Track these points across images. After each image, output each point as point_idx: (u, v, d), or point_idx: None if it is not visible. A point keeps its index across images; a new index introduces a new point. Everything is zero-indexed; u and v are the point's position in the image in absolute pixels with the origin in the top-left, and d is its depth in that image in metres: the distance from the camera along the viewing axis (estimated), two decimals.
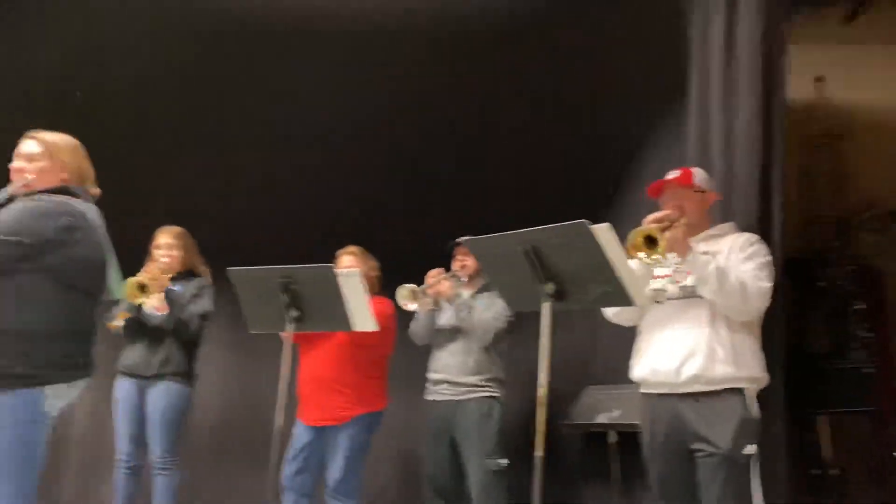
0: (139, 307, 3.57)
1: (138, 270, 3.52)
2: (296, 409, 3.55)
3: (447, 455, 3.43)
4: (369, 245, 3.75)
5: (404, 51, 3.93)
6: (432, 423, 3.50)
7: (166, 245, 3.73)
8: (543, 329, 2.23)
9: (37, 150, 2.38)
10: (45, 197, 2.29)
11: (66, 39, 3.92)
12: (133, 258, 3.48)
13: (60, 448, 4.32)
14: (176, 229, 3.80)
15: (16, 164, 2.37)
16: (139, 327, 3.63)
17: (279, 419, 2.76)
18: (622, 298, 2.19)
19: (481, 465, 3.31)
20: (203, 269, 3.83)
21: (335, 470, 3.43)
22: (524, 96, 4.17)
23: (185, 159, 4.32)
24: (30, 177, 2.34)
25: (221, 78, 4.15)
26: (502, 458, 3.32)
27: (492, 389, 3.43)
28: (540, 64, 4.00)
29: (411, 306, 3.44)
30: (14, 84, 3.94)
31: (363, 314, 2.87)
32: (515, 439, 3.39)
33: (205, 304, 3.68)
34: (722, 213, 2.91)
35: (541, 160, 4.37)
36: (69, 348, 2.27)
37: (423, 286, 3.46)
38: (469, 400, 3.41)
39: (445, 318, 3.57)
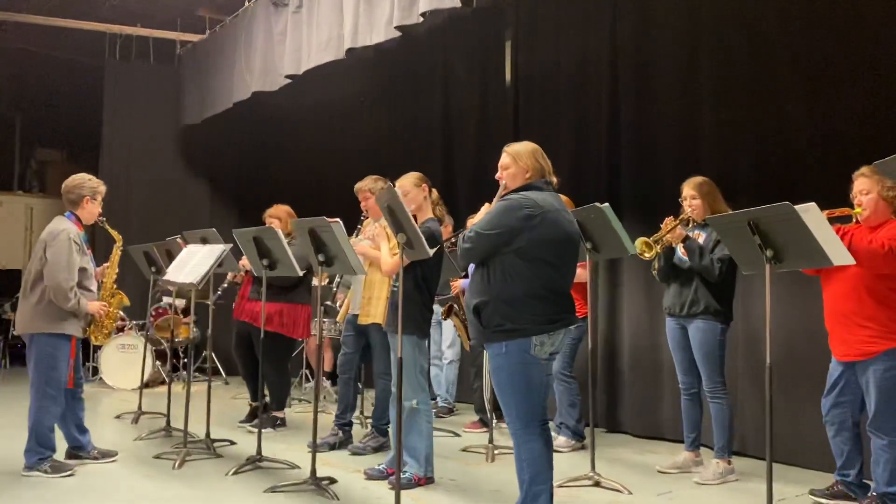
0: (670, 254, 4.01)
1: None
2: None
3: None
4: None
5: None
6: None
7: (690, 196, 4.05)
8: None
9: (507, 160, 3.03)
10: (512, 195, 2.93)
11: None
12: None
13: (656, 375, 5.10)
14: (697, 179, 4.05)
15: (498, 174, 3.06)
16: (671, 273, 4.06)
17: (767, 357, 2.86)
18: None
19: None
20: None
21: (870, 405, 3.26)
22: None
23: None
24: (504, 182, 3.02)
25: None
26: None
27: None
28: None
29: None
30: None
31: (836, 248, 2.73)
32: None
33: (725, 249, 3.85)
34: None
35: None
36: (544, 308, 2.85)
37: None
38: None
39: None
